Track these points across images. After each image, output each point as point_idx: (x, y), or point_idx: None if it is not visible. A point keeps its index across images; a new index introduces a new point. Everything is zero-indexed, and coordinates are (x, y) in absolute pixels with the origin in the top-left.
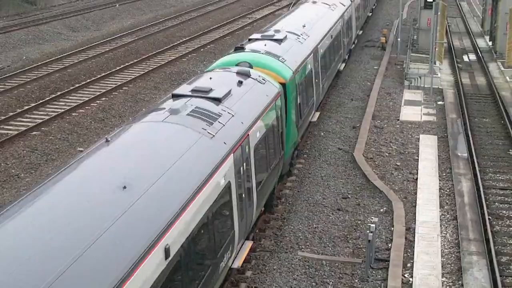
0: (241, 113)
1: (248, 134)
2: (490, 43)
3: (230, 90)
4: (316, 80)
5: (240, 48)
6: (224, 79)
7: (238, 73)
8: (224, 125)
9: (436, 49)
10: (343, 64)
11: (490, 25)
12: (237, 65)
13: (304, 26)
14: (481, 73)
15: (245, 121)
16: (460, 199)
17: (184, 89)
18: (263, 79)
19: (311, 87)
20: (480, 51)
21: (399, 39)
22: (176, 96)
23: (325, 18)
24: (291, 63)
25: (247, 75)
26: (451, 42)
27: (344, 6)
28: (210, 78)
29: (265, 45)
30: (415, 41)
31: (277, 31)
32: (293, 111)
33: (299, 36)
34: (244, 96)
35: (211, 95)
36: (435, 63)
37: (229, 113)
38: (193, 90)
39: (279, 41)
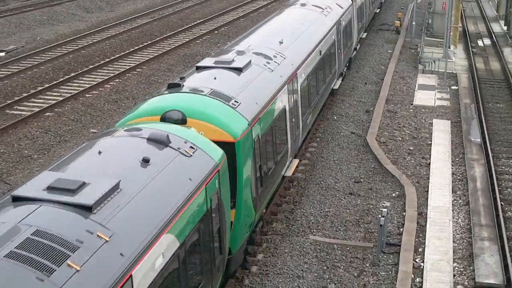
0: (127, 234)
1: (131, 274)
2: (505, 28)
3: (117, 185)
4: (293, 120)
5: (176, 86)
6: (119, 156)
7: (150, 139)
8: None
9: (451, 33)
10: (339, 81)
11: (505, 9)
12: (163, 115)
13: (281, 42)
14: (495, 58)
15: (129, 253)
16: (472, 185)
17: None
18: (191, 146)
19: (283, 134)
20: (494, 35)
21: (413, 23)
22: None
23: (314, 27)
24: (248, 108)
25: (163, 143)
26: (466, 27)
27: (342, 8)
28: (99, 152)
29: (215, 78)
30: (429, 25)
31: (240, 52)
32: (247, 180)
33: (271, 59)
34: (145, 190)
35: (75, 200)
36: (449, 48)
37: (99, 237)
38: (48, 188)
39: (237, 70)
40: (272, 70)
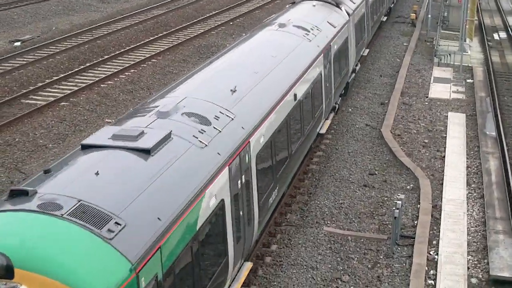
0: None
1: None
2: None
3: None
4: (236, 235)
5: (19, 195)
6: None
7: None
8: None
9: (467, 26)
10: (326, 126)
11: None
12: None
13: (233, 91)
14: (511, 52)
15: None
16: (487, 178)
17: None
18: None
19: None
20: (510, 29)
21: (429, 16)
22: None
23: (290, 59)
24: (139, 237)
25: None
26: (481, 20)
27: (335, 27)
28: None
29: (96, 173)
30: (445, 18)
31: (161, 114)
32: None
33: (209, 123)
34: None
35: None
36: (465, 41)
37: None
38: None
39: (143, 153)
40: (206, 145)
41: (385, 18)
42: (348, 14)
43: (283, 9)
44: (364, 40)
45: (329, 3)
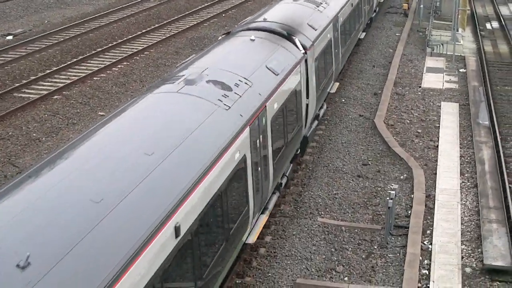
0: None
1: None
2: None
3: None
4: None
5: None
6: None
7: None
8: None
9: (459, 16)
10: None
11: None
12: None
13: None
14: (503, 41)
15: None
16: (480, 167)
17: None
18: None
19: None
20: (503, 18)
21: (421, 6)
22: None
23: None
24: None
25: None
26: (474, 9)
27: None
28: None
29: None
30: (437, 8)
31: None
32: None
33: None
34: None
35: None
36: (457, 30)
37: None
38: None
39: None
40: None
41: (363, 35)
42: (305, 48)
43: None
44: (332, 75)
45: (278, 34)
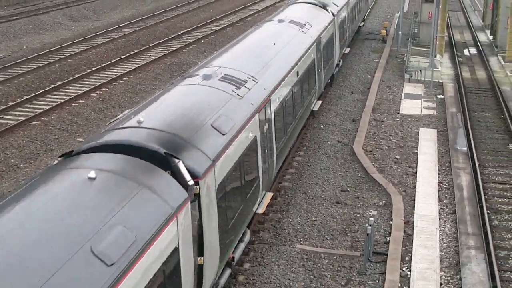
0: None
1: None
2: (491, 37)
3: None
4: None
5: None
6: None
7: None
8: None
9: (437, 42)
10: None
11: (491, 19)
12: None
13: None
14: (481, 67)
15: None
16: (459, 193)
17: None
18: None
19: None
20: (481, 45)
21: (400, 32)
22: None
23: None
24: None
25: None
26: (452, 36)
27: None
28: None
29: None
30: (416, 34)
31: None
32: None
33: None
34: None
35: None
36: (435, 57)
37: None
38: None
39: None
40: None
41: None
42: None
43: (252, 27)
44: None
45: None
